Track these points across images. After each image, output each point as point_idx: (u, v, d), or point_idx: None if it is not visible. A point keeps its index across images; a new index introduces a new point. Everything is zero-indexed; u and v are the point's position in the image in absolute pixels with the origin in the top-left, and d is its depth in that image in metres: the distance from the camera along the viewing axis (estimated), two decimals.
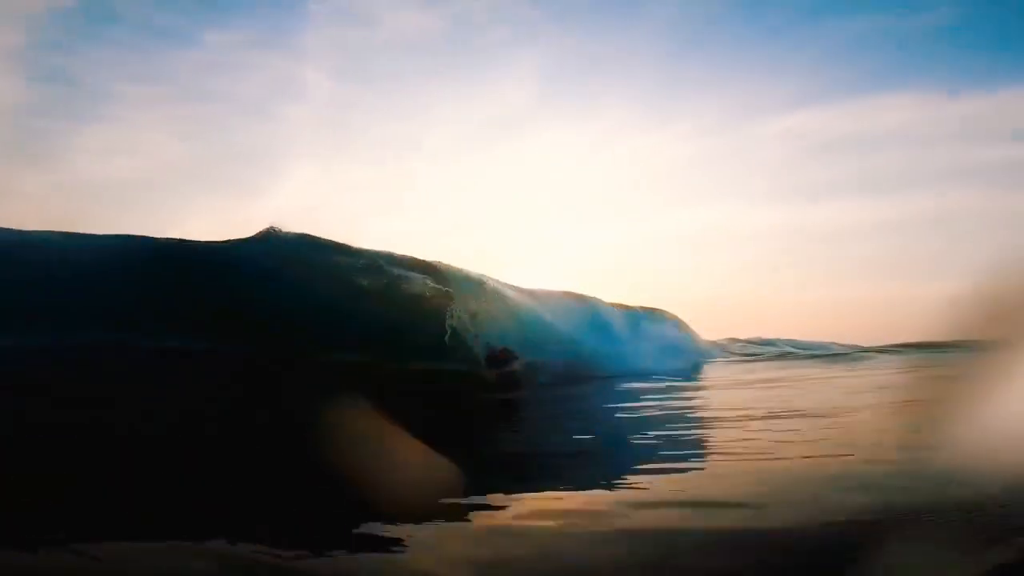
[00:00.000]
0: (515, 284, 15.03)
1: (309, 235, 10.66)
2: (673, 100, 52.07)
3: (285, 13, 43.65)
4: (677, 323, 17.66)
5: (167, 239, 9.91)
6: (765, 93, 46.72)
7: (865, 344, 21.88)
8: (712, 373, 11.75)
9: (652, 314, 16.85)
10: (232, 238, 10.38)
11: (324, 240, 10.66)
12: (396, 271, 11.19)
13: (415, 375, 8.59)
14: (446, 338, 10.32)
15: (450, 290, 11.45)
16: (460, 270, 13.39)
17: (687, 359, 15.64)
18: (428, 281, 11.39)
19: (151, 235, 9.78)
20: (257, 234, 10.34)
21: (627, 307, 16.14)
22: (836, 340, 24.69)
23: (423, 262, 12.35)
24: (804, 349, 21.75)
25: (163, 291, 8.43)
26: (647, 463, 3.22)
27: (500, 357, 11.96)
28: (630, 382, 9.80)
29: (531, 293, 14.51)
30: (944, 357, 15.01)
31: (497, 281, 14.42)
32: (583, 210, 48.49)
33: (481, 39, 45.56)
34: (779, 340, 24.54)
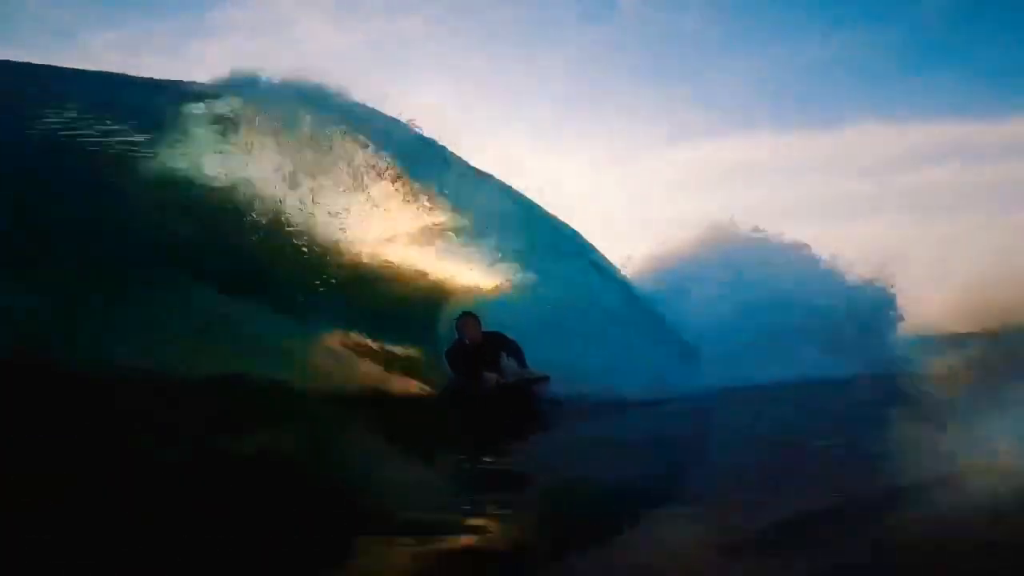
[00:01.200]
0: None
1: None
2: (570, 133, 53.69)
3: (176, 19, 40.94)
4: None
5: None
6: (648, 131, 49.38)
7: None
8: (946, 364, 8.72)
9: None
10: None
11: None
12: None
13: None
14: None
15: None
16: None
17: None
18: None
19: None
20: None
21: None
22: None
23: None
24: None
25: None
26: None
27: (472, 352, 5.16)
28: None
29: None
30: None
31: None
32: None
33: (393, 62, 45.10)
34: None
